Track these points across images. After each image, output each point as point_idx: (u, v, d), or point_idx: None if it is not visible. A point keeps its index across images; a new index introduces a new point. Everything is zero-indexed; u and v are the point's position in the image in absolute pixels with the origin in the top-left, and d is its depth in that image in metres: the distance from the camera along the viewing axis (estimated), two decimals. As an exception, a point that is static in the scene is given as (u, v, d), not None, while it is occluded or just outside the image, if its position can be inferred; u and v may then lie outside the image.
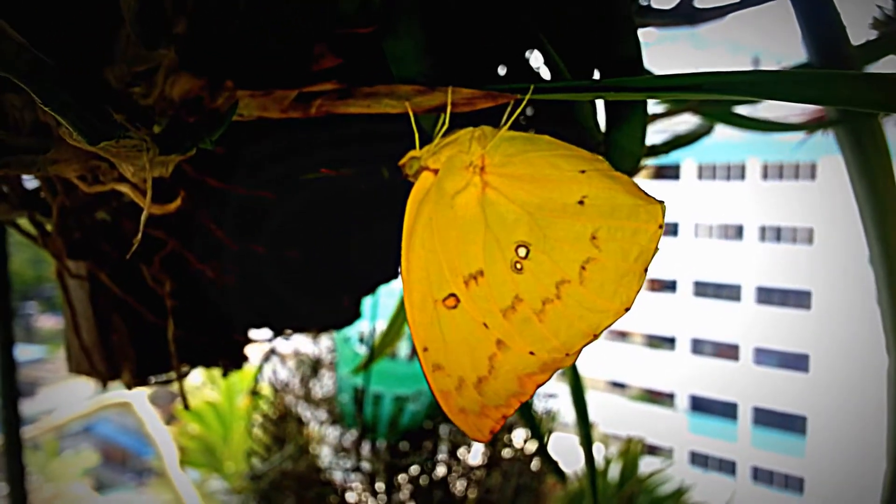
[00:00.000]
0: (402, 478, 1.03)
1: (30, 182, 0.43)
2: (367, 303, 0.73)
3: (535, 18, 0.39)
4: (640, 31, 0.58)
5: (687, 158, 12.97)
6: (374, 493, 1.01)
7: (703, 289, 13.28)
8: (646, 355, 13.80)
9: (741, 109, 0.66)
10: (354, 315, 0.63)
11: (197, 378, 1.90)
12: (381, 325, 0.91)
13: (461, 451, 1.05)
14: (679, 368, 13.44)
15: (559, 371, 0.32)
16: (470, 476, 1.04)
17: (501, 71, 0.45)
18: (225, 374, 0.59)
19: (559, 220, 0.29)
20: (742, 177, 12.80)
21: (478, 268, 0.30)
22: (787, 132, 0.68)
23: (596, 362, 13.58)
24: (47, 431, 3.05)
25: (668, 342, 13.70)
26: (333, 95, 0.32)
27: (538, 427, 0.86)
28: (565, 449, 0.87)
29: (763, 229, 12.59)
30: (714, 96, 0.27)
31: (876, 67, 0.60)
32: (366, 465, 1.03)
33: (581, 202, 0.29)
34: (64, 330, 0.56)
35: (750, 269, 12.64)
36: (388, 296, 0.88)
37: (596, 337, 0.30)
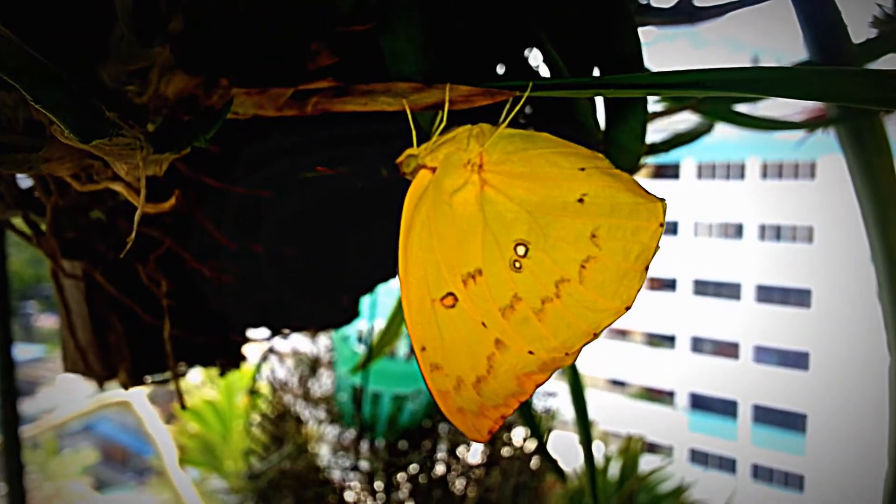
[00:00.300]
0: (401, 477, 1.03)
1: (24, 181, 0.43)
2: (365, 302, 0.73)
3: (535, 16, 0.38)
4: (640, 30, 0.57)
5: (686, 157, 12.97)
6: (373, 493, 1.01)
7: (702, 287, 13.29)
8: (646, 353, 13.81)
9: (741, 108, 0.66)
10: (353, 314, 0.62)
11: (196, 377, 1.89)
12: (380, 324, 0.91)
13: (460, 450, 1.05)
14: (679, 366, 13.45)
15: (558, 370, 0.31)
16: (469, 475, 1.04)
17: (500, 69, 0.45)
18: (222, 374, 0.59)
19: (559, 219, 0.29)
20: (742, 175, 12.80)
21: (476, 267, 0.30)
22: (787, 130, 0.67)
23: (596, 360, 13.59)
24: (47, 430, 3.05)
25: (668, 340, 13.71)
26: (329, 93, 0.32)
27: (538, 426, 0.86)
28: (565, 447, 0.87)
29: (763, 228, 12.59)
30: (715, 93, 0.27)
31: (876, 65, 0.60)
32: (364, 465, 1.03)
33: (581, 200, 0.29)
34: (60, 330, 0.55)
35: (750, 268, 12.65)
36: (386, 294, 0.88)
37: (596, 336, 0.30)
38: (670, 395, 13.64)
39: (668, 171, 13.26)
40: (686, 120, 0.68)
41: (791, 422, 12.03)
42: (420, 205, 0.31)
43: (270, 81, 0.32)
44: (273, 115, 0.33)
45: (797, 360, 12.04)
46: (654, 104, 0.65)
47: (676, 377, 13.40)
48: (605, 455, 1.26)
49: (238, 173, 0.47)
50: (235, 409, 1.73)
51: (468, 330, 0.30)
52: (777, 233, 12.43)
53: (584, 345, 0.30)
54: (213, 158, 0.45)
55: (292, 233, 0.54)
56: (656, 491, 1.24)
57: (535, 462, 1.06)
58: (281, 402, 1.13)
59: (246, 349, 0.60)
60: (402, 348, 1.07)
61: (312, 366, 1.15)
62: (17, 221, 0.44)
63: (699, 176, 13.19)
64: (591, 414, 0.60)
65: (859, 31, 0.61)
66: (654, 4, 0.60)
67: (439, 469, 1.04)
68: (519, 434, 1.07)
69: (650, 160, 0.69)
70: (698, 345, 13.35)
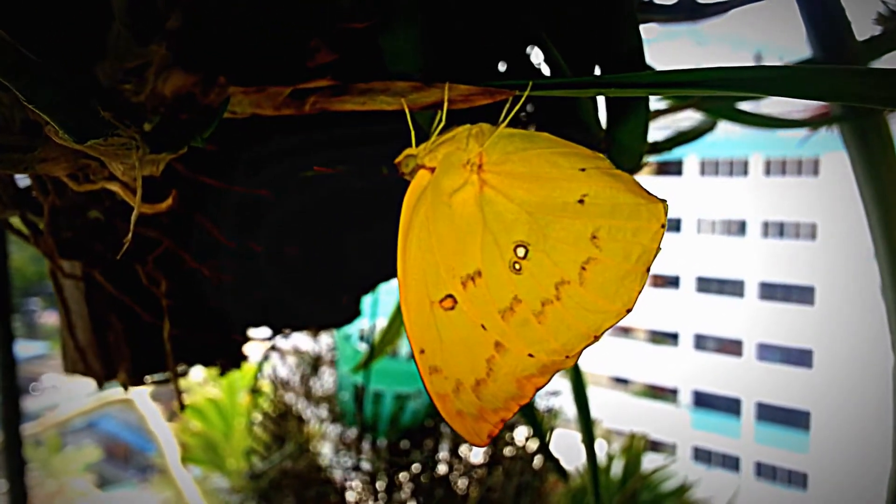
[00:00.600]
0: (402, 476, 1.02)
1: (23, 180, 0.42)
2: (366, 301, 0.73)
3: (536, 15, 0.38)
4: (642, 28, 0.57)
5: (689, 154, 12.95)
6: (375, 492, 1.01)
7: (706, 284, 13.27)
8: (649, 351, 13.80)
9: (744, 105, 0.66)
10: (354, 313, 0.62)
11: (199, 375, 1.89)
12: (381, 324, 0.91)
13: (462, 450, 1.05)
14: (682, 364, 13.43)
15: (567, 368, 0.31)
16: (471, 474, 1.04)
17: (502, 67, 0.45)
18: (223, 374, 0.59)
19: (559, 220, 0.29)
20: (745, 173, 12.77)
21: (476, 268, 0.30)
22: (790, 128, 0.67)
23: (599, 358, 13.57)
24: (50, 427, 3.06)
25: (671, 338, 13.69)
26: (328, 92, 0.31)
27: (540, 425, 0.86)
28: (568, 445, 0.87)
29: (766, 225, 12.57)
30: (716, 93, 0.27)
31: (881, 63, 0.60)
32: (366, 464, 1.03)
33: (581, 201, 0.29)
34: (59, 329, 0.55)
35: (753, 265, 12.63)
36: (387, 294, 0.88)
37: (597, 339, 0.30)
38: (673, 392, 13.62)
39: (671, 168, 13.24)
40: (689, 117, 0.68)
41: (795, 419, 12.01)
42: (419, 205, 0.30)
43: (268, 80, 0.32)
44: (271, 114, 0.32)
45: (801, 358, 12.02)
46: (656, 102, 0.65)
47: (679, 375, 13.39)
48: (608, 453, 1.26)
49: (238, 173, 0.46)
50: (238, 408, 1.73)
51: (467, 332, 0.30)
52: (780, 230, 12.40)
53: (585, 347, 0.30)
54: (214, 158, 0.44)
55: (293, 232, 0.54)
56: (659, 489, 1.24)
57: (537, 461, 1.06)
58: (282, 401, 1.12)
59: (247, 348, 0.60)
60: (403, 347, 1.07)
61: (314, 364, 1.15)
62: (16, 221, 0.44)
63: (702, 173, 13.17)
64: (594, 412, 0.59)
65: (864, 28, 0.60)
66: (656, 2, 0.59)
67: (441, 469, 1.04)
68: (521, 433, 1.07)
69: (653, 157, 0.69)
70: (701, 342, 13.33)
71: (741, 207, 12.79)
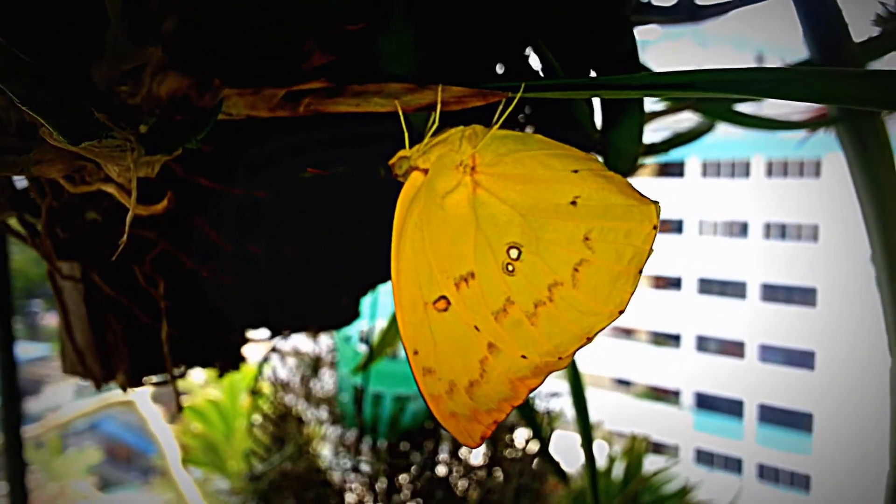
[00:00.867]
0: (402, 478, 1.02)
1: (20, 182, 0.43)
2: (366, 302, 0.73)
3: (532, 17, 0.38)
4: (643, 29, 0.57)
5: (691, 155, 12.93)
6: (375, 494, 1.01)
7: (707, 286, 13.25)
8: (651, 353, 13.78)
9: (744, 107, 0.66)
10: (353, 314, 0.62)
11: (200, 376, 1.89)
12: (381, 325, 0.91)
13: (462, 451, 1.05)
14: (684, 366, 13.41)
15: (560, 370, 0.31)
16: (471, 476, 1.04)
17: (500, 69, 0.45)
18: (221, 375, 0.59)
19: (551, 221, 0.29)
20: (746, 174, 12.76)
21: (469, 269, 0.30)
22: (788, 130, 0.67)
23: (600, 360, 13.56)
24: (52, 429, 3.05)
25: (673, 339, 13.67)
26: (322, 94, 0.31)
27: (539, 427, 0.86)
28: (568, 447, 0.87)
29: (768, 226, 12.55)
30: (710, 94, 0.27)
31: (880, 64, 0.60)
32: (366, 466, 1.03)
33: (574, 202, 0.29)
34: (58, 330, 0.55)
35: (755, 267, 12.61)
36: (387, 295, 0.88)
37: (589, 340, 0.30)
38: (675, 394, 13.60)
39: (673, 170, 13.22)
40: (689, 119, 0.68)
41: (797, 421, 11.99)
42: (412, 207, 0.31)
43: (263, 82, 0.32)
44: (266, 115, 0.32)
45: (803, 360, 12.00)
46: (654, 104, 0.65)
47: (681, 376, 13.37)
48: (610, 455, 1.26)
49: (237, 174, 0.47)
50: (239, 409, 1.73)
51: (461, 333, 0.30)
52: (782, 231, 12.39)
53: (578, 349, 0.30)
54: (212, 159, 0.45)
55: (292, 233, 0.54)
56: (661, 491, 1.24)
57: (537, 463, 1.06)
58: (282, 403, 1.13)
59: (246, 349, 0.60)
60: (403, 349, 1.07)
61: (314, 366, 1.15)
62: (14, 223, 0.44)
63: (704, 174, 13.15)
64: (596, 413, 0.60)
65: (863, 29, 0.61)
66: (655, 3, 0.59)
67: (441, 470, 1.04)
68: (521, 435, 1.07)
69: (654, 159, 0.69)
70: (703, 344, 13.31)
71: (743, 209, 12.77)
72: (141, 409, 2.27)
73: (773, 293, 12.49)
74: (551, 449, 0.81)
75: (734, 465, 12.60)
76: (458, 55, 0.38)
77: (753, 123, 0.64)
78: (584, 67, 0.38)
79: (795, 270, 12.13)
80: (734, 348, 12.92)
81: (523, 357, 0.30)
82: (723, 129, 0.69)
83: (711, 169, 13.12)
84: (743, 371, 12.75)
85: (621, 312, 0.29)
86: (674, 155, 0.65)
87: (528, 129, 0.51)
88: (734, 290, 12.94)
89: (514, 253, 0.29)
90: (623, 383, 14.07)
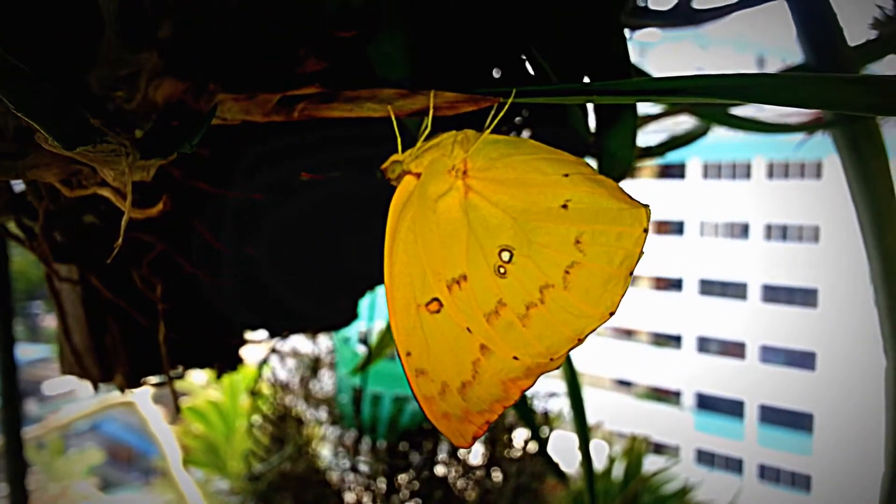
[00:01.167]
0: (401, 478, 1.03)
1: (18, 185, 0.43)
2: (364, 303, 0.73)
3: (525, 23, 0.38)
4: (643, 32, 0.57)
5: (692, 157, 12.92)
6: (374, 494, 1.01)
7: (708, 287, 13.24)
8: (652, 353, 13.76)
9: (742, 110, 0.66)
10: (351, 316, 0.62)
11: (200, 377, 1.90)
12: (379, 326, 0.91)
13: (461, 452, 1.05)
14: (685, 366, 13.40)
15: (557, 370, 0.32)
16: (470, 476, 1.04)
17: (497, 74, 0.45)
18: (220, 376, 0.59)
19: (543, 225, 0.29)
20: (747, 175, 12.74)
21: (461, 272, 0.30)
22: (784, 133, 0.67)
23: (601, 360, 13.56)
24: (52, 430, 3.06)
25: (674, 340, 13.65)
26: (316, 99, 0.32)
27: (538, 427, 0.86)
28: (569, 447, 0.87)
29: (769, 227, 12.54)
30: (702, 100, 0.27)
31: (877, 67, 0.60)
32: (365, 466, 1.03)
33: (565, 206, 0.29)
34: (57, 332, 0.56)
35: (756, 268, 12.60)
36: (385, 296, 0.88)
37: (581, 342, 0.30)
38: (676, 394, 13.59)
39: (674, 171, 13.21)
40: (686, 121, 0.68)
41: (798, 422, 11.97)
42: (405, 210, 0.31)
43: (258, 87, 0.33)
44: (261, 120, 0.33)
45: (804, 360, 11.99)
46: (650, 107, 0.65)
47: (682, 377, 13.36)
48: (610, 455, 1.26)
49: (235, 177, 0.47)
50: (239, 410, 1.73)
51: (453, 335, 0.31)
52: (783, 232, 12.38)
53: (569, 350, 0.30)
54: (210, 163, 0.45)
55: (289, 235, 0.54)
56: (661, 491, 1.24)
57: (535, 463, 1.06)
58: (282, 403, 1.13)
59: (245, 351, 0.61)
60: (398, 351, 1.06)
61: (313, 367, 1.15)
62: (12, 226, 0.44)
63: (705, 175, 13.13)
64: (597, 414, 0.60)
65: (860, 32, 0.61)
66: (653, 7, 0.60)
67: (440, 470, 1.04)
68: (520, 436, 1.07)
69: (655, 161, 0.69)
70: (704, 345, 13.29)
71: (744, 210, 12.76)
72: (142, 410, 2.27)
73: (773, 294, 12.48)
74: (550, 449, 0.82)
75: (735, 465, 12.59)
76: (450, 61, 0.38)
77: (749, 127, 0.65)
78: (577, 72, 0.38)
79: (796, 271, 12.12)
80: (735, 349, 12.91)
81: (515, 358, 0.30)
82: (723, 131, 0.69)
83: (712, 170, 13.11)
84: (744, 372, 12.74)
85: (612, 314, 0.29)
86: (675, 156, 0.66)
87: (525, 134, 0.51)
88: (735, 291, 12.93)
89: (505, 256, 0.29)
90: (624, 384, 14.06)
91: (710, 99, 0.26)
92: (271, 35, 0.34)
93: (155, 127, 0.31)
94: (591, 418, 0.62)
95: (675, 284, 13.50)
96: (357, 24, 0.33)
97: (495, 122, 0.30)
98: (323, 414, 1.11)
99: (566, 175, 0.29)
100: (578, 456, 0.62)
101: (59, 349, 0.55)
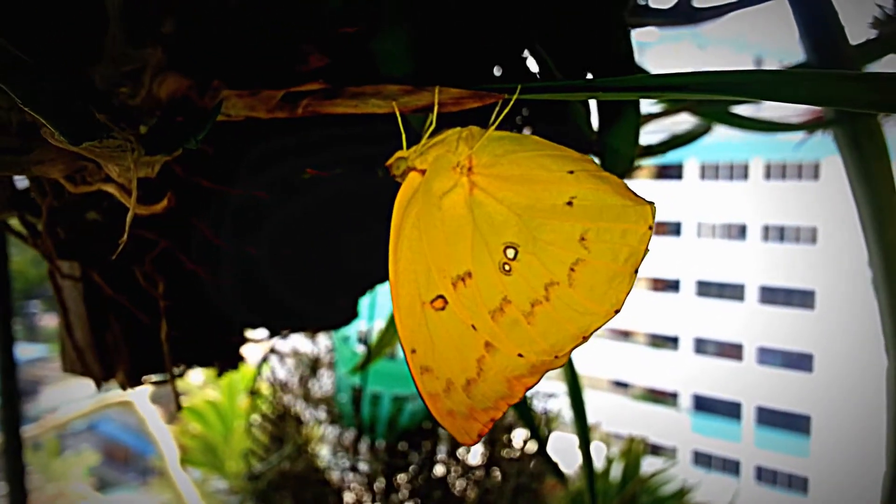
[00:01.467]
0: (400, 478, 1.03)
1: (22, 182, 0.43)
2: (364, 302, 0.73)
3: (529, 20, 0.38)
4: (641, 31, 0.57)
5: (690, 158, 12.92)
6: (373, 493, 1.01)
7: (706, 288, 13.25)
8: (649, 355, 13.77)
9: (742, 109, 0.66)
10: (351, 315, 0.62)
11: (198, 377, 1.90)
12: (379, 325, 0.91)
13: (460, 451, 1.05)
14: (682, 368, 13.41)
15: (556, 370, 0.32)
16: (469, 476, 1.04)
17: (498, 72, 0.45)
18: (220, 375, 0.59)
19: (548, 222, 0.29)
20: (745, 176, 12.75)
21: (466, 269, 0.30)
22: (785, 132, 0.67)
23: (598, 361, 13.56)
24: (49, 430, 3.05)
25: (672, 341, 13.66)
26: (320, 95, 0.32)
27: (537, 427, 0.86)
28: (568, 448, 0.87)
29: (766, 229, 12.55)
30: (704, 96, 0.27)
31: (877, 66, 0.60)
32: (364, 465, 1.03)
33: (570, 203, 0.29)
34: (58, 330, 0.56)
35: (753, 269, 12.61)
36: (385, 295, 0.88)
37: (585, 339, 0.30)
38: (673, 396, 13.59)
39: (672, 172, 13.21)
40: (686, 121, 0.68)
41: (795, 424, 11.98)
42: (410, 207, 0.31)
43: (262, 83, 0.33)
44: (265, 116, 0.33)
45: (801, 362, 12.00)
46: (651, 105, 0.65)
47: (679, 378, 13.36)
48: (607, 457, 1.26)
49: (237, 175, 0.47)
50: (237, 410, 1.73)
51: (458, 332, 0.31)
52: (780, 234, 12.39)
53: (574, 348, 0.30)
54: (212, 160, 0.45)
55: (291, 233, 0.54)
56: (659, 493, 1.24)
57: (535, 463, 1.06)
58: (281, 403, 1.13)
59: (245, 349, 0.61)
60: (401, 349, 1.07)
61: (313, 366, 1.15)
62: (14, 222, 0.44)
63: (702, 176, 13.14)
64: (594, 415, 0.60)
65: (860, 31, 0.61)
66: (653, 5, 0.60)
67: (439, 470, 1.04)
68: (519, 436, 1.07)
69: (653, 161, 0.70)
70: (701, 346, 13.30)
71: (741, 211, 12.77)
72: (139, 410, 2.27)
73: (771, 295, 12.49)
74: (549, 449, 0.82)
75: (732, 466, 12.60)
76: (455, 57, 0.38)
77: (750, 125, 0.65)
78: (580, 69, 0.38)
79: (794, 273, 12.13)
80: (732, 350, 12.92)
81: (520, 356, 0.30)
82: (721, 132, 0.69)
83: (710, 171, 13.12)
84: (741, 373, 12.75)
85: (617, 312, 0.29)
86: (672, 157, 0.66)
87: (526, 131, 0.51)
88: (732, 292, 12.94)
89: (510, 253, 0.29)
90: (621, 385, 14.06)
91: (711, 95, 0.26)
92: (274, 31, 0.34)
93: (159, 123, 0.31)
94: (588, 419, 0.62)
95: (673, 286, 13.50)
96: (359, 20, 0.33)
97: (500, 118, 0.30)
98: (322, 413, 1.11)
99: (571, 172, 0.29)
100: (577, 456, 0.62)
101: (61, 346, 0.55)
